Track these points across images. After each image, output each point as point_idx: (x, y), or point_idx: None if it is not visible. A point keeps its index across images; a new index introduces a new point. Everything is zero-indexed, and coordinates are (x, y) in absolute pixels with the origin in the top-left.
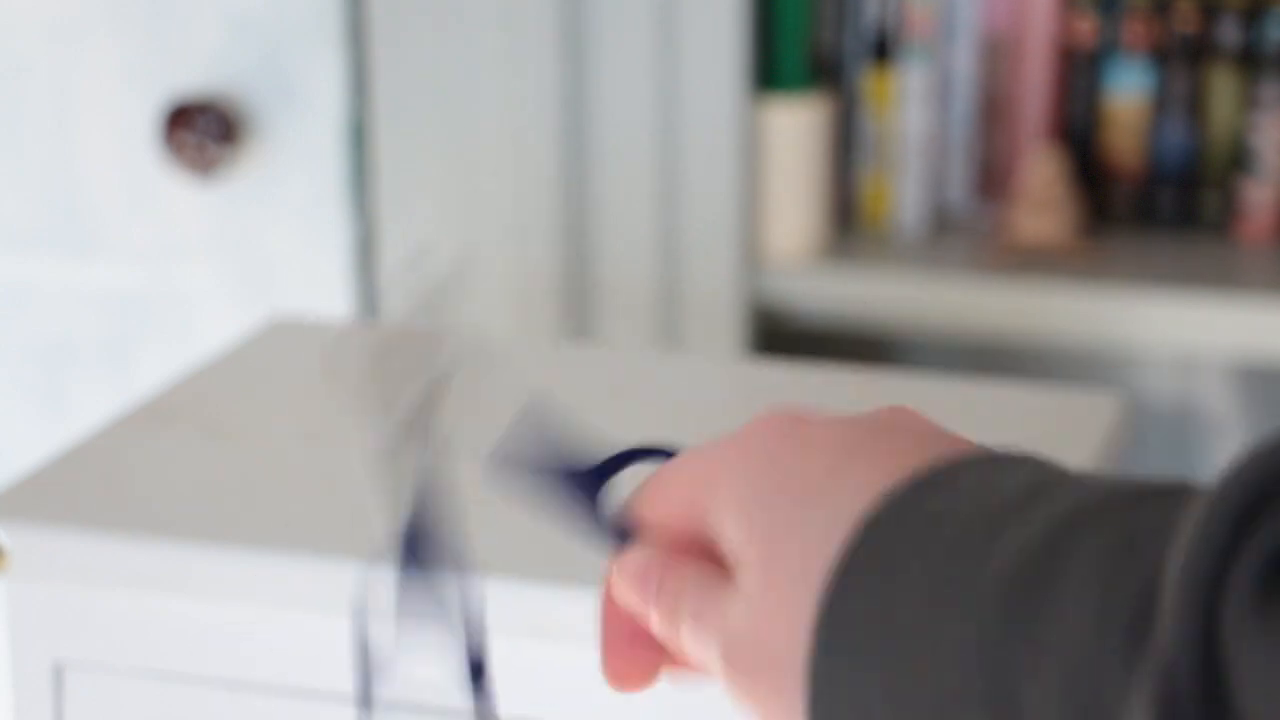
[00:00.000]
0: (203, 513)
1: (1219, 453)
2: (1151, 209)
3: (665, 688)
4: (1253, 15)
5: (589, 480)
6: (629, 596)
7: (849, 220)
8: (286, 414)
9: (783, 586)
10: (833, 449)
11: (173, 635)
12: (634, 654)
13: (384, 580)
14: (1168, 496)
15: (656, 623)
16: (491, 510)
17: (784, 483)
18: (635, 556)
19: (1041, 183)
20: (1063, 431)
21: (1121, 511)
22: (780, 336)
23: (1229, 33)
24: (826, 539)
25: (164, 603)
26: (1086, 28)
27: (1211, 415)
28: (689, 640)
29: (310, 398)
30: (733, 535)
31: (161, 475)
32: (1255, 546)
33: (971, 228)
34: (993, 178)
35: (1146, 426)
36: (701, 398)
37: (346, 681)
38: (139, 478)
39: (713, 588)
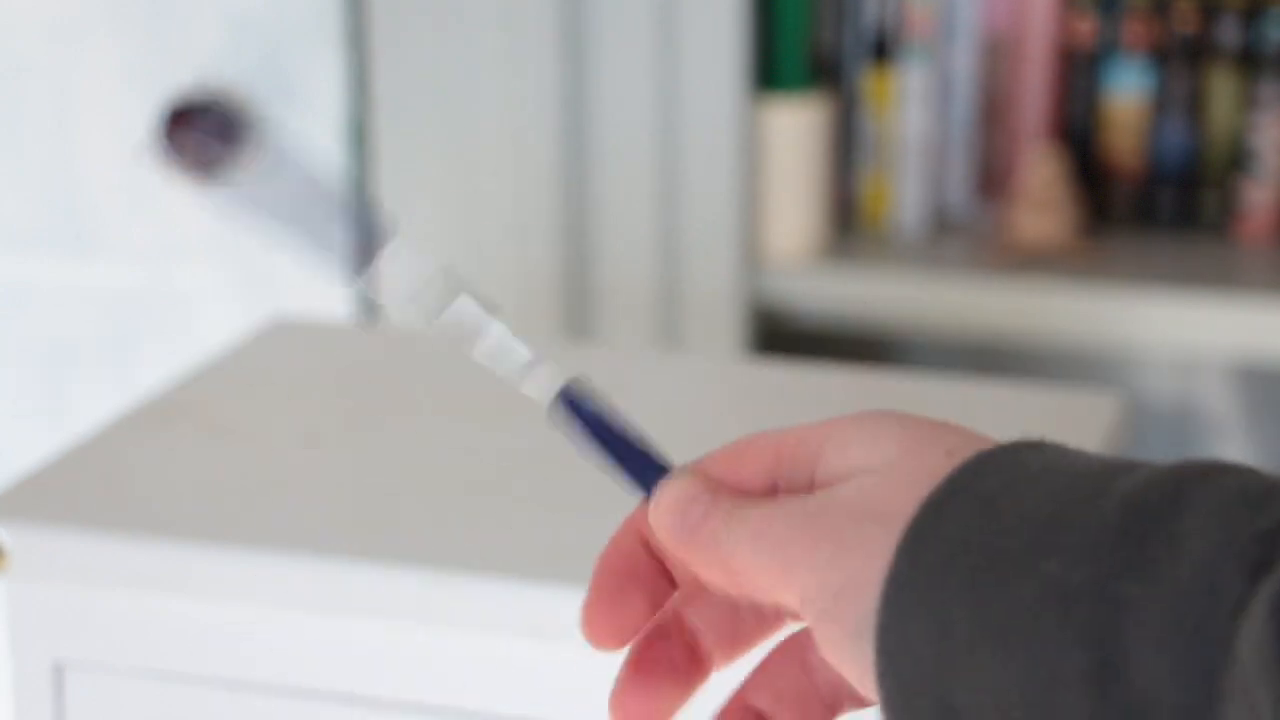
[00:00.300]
0: (203, 513)
1: (1219, 453)
2: (1151, 209)
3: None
4: (1252, 15)
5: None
6: (664, 522)
7: (849, 220)
8: (286, 414)
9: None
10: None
11: (173, 635)
12: (622, 607)
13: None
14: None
15: (692, 549)
16: (492, 510)
17: (908, 422)
18: (681, 482)
19: (1041, 183)
20: (1063, 431)
21: (1238, 471)
22: (780, 336)
23: (1229, 33)
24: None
25: (164, 602)
26: (1086, 28)
27: (1211, 415)
28: (743, 560)
29: (310, 398)
30: (855, 452)
31: (162, 475)
32: None
33: (971, 228)
34: (993, 178)
35: (1146, 426)
36: (701, 398)
37: (347, 681)
38: (139, 478)
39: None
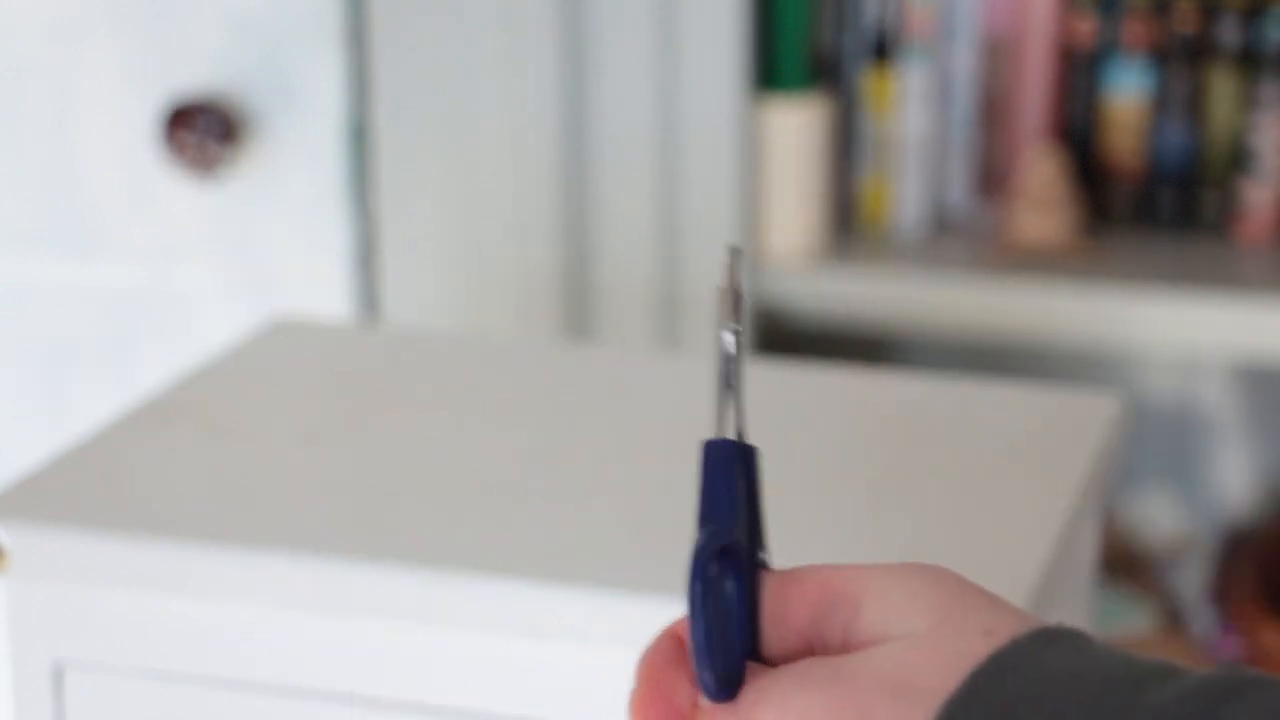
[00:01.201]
0: (203, 513)
1: (1218, 453)
2: (1151, 209)
3: None
4: (1252, 15)
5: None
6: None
7: (849, 220)
8: (286, 414)
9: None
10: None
11: (173, 635)
12: (669, 690)
13: None
14: None
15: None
16: (492, 510)
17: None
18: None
19: (1041, 183)
20: (1063, 431)
21: (1273, 687)
22: (780, 336)
23: (1229, 33)
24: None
25: (164, 603)
26: (1086, 28)
27: (1211, 415)
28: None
29: (310, 398)
30: (895, 609)
31: (162, 475)
32: None
33: (971, 228)
34: (993, 178)
35: (1146, 426)
36: (701, 398)
37: (347, 681)
38: (139, 478)
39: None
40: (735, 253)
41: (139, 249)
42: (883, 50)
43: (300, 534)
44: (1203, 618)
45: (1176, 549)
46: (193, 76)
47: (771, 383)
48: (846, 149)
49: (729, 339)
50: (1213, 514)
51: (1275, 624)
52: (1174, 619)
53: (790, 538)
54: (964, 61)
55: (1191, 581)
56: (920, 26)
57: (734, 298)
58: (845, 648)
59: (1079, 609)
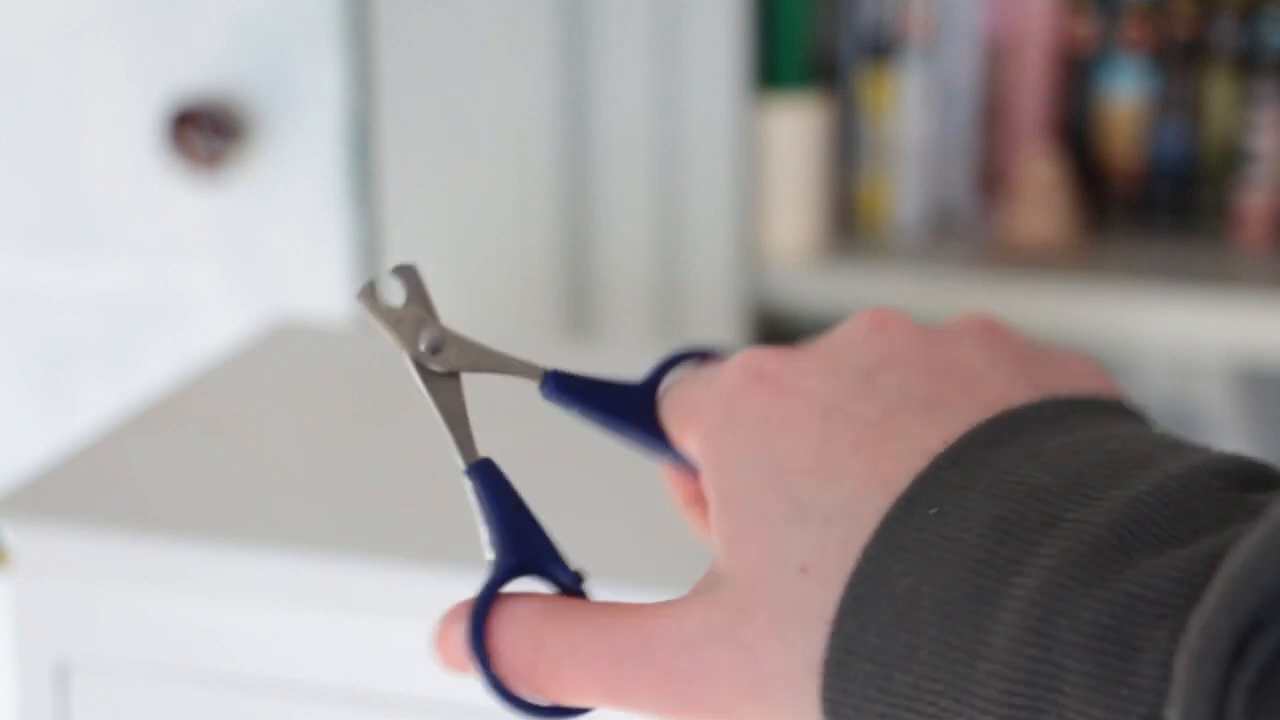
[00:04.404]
0: (205, 511)
1: None
2: (1149, 210)
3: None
4: (1250, 17)
5: (638, 396)
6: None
7: (849, 220)
8: (287, 414)
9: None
10: (842, 426)
11: (175, 633)
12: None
13: None
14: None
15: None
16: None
17: (776, 467)
18: (517, 615)
19: (1040, 183)
20: None
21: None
22: (780, 336)
23: (1226, 34)
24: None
25: (167, 601)
26: (1085, 29)
27: (1208, 416)
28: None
29: (311, 398)
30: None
31: (163, 474)
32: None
33: (971, 228)
34: (992, 178)
35: None
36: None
37: (348, 679)
38: (141, 477)
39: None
40: (405, 270)
41: (140, 249)
42: (882, 51)
43: (300, 532)
44: None
45: None
46: (195, 77)
47: None
48: (846, 149)
49: (411, 365)
50: None
51: None
52: None
53: None
54: (963, 62)
55: None
56: (920, 27)
57: (413, 319)
58: None
59: None
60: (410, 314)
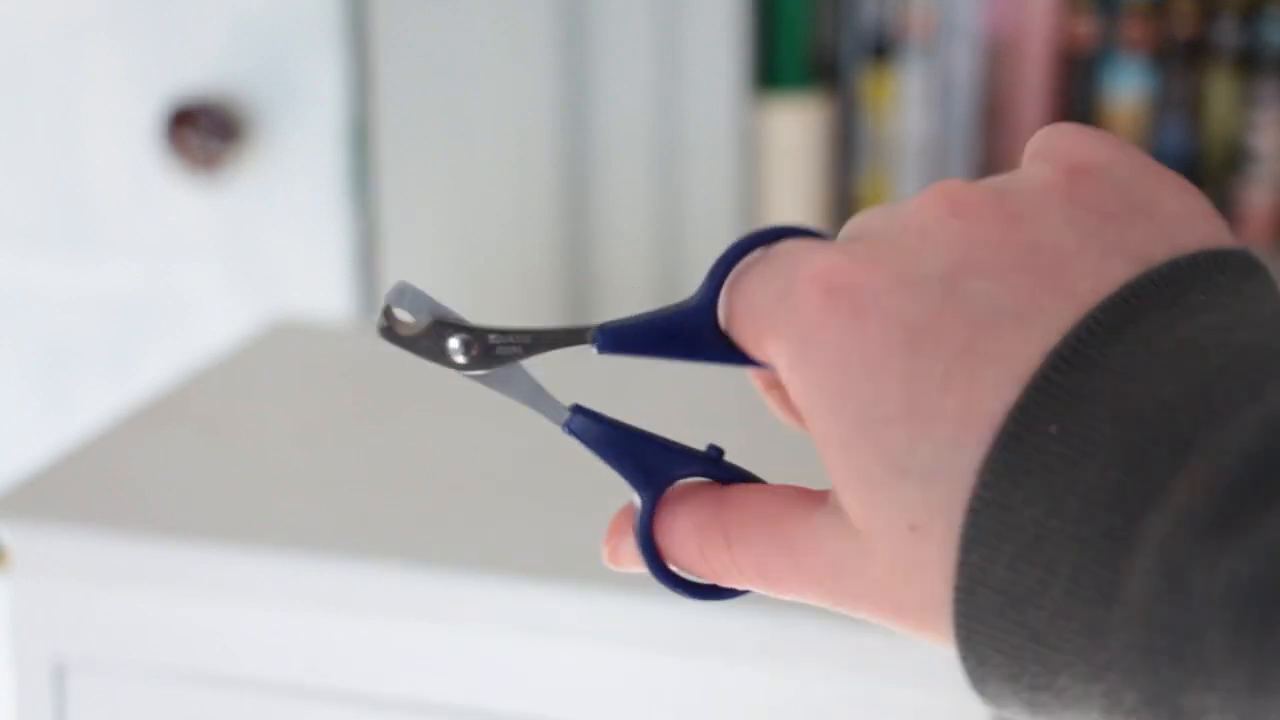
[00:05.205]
0: (203, 512)
1: None
2: None
3: (665, 689)
4: (1251, 17)
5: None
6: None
7: (848, 220)
8: (286, 414)
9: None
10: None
11: (173, 633)
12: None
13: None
14: None
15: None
16: (492, 510)
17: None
18: (679, 518)
19: None
20: None
21: None
22: None
23: (1227, 34)
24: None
25: (164, 601)
26: (1086, 29)
27: None
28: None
29: (310, 398)
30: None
31: (162, 475)
32: None
33: None
34: None
35: None
36: (701, 398)
37: (346, 679)
38: (140, 477)
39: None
40: (402, 291)
41: (140, 249)
42: (882, 50)
43: (300, 533)
44: None
45: None
46: (194, 77)
47: None
48: (846, 149)
49: (460, 375)
50: None
51: None
52: None
53: None
54: (964, 62)
55: None
56: (920, 27)
57: (431, 334)
58: None
59: None
60: (428, 331)
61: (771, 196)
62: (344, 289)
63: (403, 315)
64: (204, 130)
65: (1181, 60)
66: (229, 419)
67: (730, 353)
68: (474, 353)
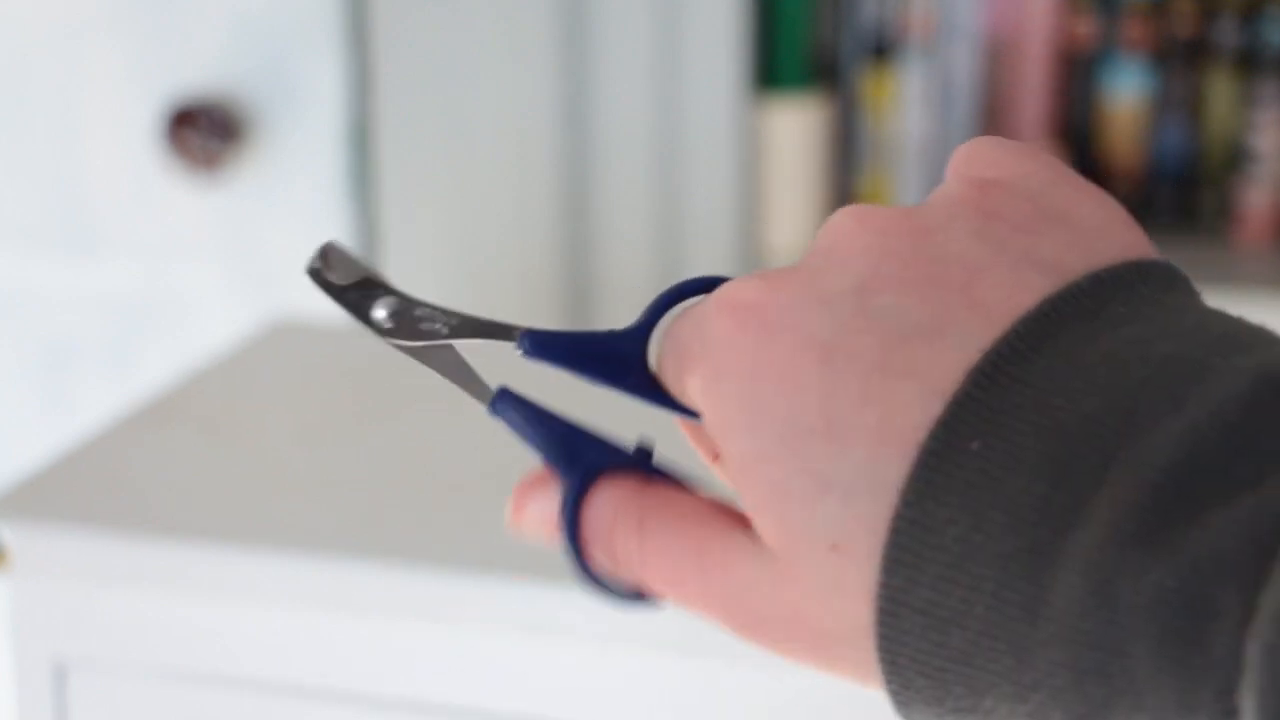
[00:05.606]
0: (203, 512)
1: None
2: (1150, 209)
3: (665, 689)
4: (1251, 17)
5: (633, 343)
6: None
7: None
8: (286, 414)
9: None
10: (866, 351)
11: (173, 633)
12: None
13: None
14: None
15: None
16: (492, 510)
17: (795, 413)
18: (600, 504)
19: None
20: None
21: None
22: None
23: (1227, 34)
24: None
25: (164, 601)
26: (1086, 29)
27: None
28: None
29: (310, 398)
30: (730, 455)
31: (162, 474)
32: None
33: None
34: None
35: None
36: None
37: (346, 679)
38: (140, 477)
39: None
40: (330, 250)
41: (140, 249)
42: (882, 50)
43: (300, 533)
44: None
45: None
46: (194, 77)
47: None
48: (846, 149)
49: (381, 338)
50: None
51: None
52: None
53: None
54: (963, 62)
55: None
56: (920, 27)
57: (357, 294)
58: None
59: None
60: (358, 284)
61: (771, 196)
62: None
63: (336, 268)
64: (204, 130)
65: (1181, 60)
66: (229, 419)
67: (657, 392)
68: (399, 320)
